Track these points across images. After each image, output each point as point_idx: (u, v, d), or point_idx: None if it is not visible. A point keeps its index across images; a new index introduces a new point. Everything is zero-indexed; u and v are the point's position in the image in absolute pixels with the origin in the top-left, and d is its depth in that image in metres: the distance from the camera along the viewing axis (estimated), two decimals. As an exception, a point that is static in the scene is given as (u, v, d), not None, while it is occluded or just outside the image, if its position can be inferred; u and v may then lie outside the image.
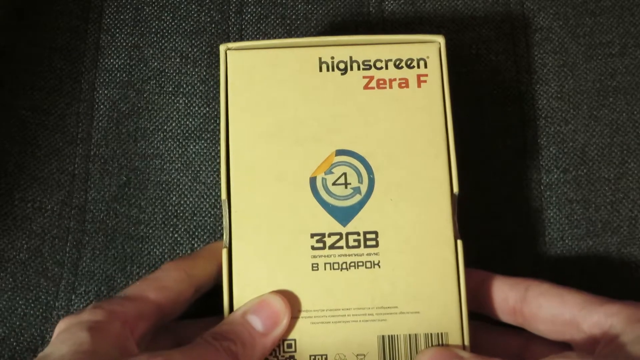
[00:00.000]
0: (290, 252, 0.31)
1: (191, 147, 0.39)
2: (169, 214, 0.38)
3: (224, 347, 0.28)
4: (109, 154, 0.39)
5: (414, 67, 0.33)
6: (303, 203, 0.31)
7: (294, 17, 0.41)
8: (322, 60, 0.33)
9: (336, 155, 0.32)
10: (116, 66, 0.40)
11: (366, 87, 0.33)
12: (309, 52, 0.33)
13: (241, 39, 0.40)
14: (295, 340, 0.30)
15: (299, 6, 0.41)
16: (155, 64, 0.40)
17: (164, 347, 0.31)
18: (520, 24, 0.41)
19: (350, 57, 0.33)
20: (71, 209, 0.38)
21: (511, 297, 0.32)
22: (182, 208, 0.38)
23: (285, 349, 0.30)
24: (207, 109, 0.39)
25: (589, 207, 0.38)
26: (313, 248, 0.31)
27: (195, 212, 0.38)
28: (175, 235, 0.38)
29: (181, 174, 0.38)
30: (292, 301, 0.30)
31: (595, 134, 0.39)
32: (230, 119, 0.32)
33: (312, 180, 0.32)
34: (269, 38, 0.40)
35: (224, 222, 0.32)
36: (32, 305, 0.37)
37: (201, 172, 0.38)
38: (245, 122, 0.32)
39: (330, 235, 0.31)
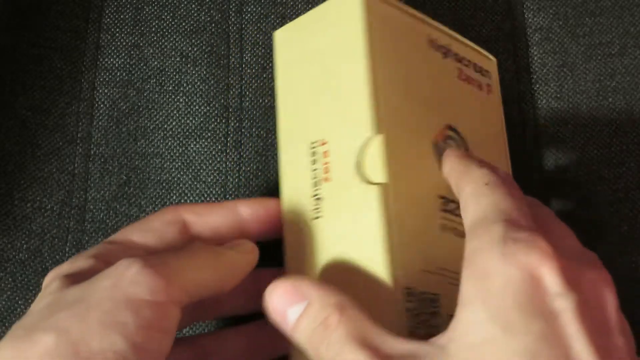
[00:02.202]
0: (422, 209, 0.29)
1: (191, 146, 0.39)
2: (169, 213, 0.38)
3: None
4: (109, 153, 0.39)
5: (485, 76, 0.36)
6: (430, 166, 0.30)
7: (294, 16, 0.41)
8: (430, 38, 0.33)
9: (447, 129, 0.32)
10: (116, 65, 0.40)
11: (459, 77, 0.34)
12: (423, 27, 0.33)
13: (241, 39, 0.40)
14: (439, 295, 0.28)
15: (299, 6, 0.41)
16: (155, 63, 0.40)
17: None
18: (520, 24, 0.41)
19: (447, 46, 0.34)
20: (71, 208, 0.38)
21: None
22: (182, 207, 0.38)
23: (430, 304, 0.28)
24: (208, 107, 0.39)
25: (589, 206, 0.38)
26: (441, 210, 0.30)
27: (196, 211, 0.38)
28: (175, 235, 0.38)
29: (181, 173, 0.38)
30: (428, 257, 0.29)
31: (594, 134, 0.39)
32: (373, 68, 0.30)
33: (434, 147, 0.31)
34: (269, 38, 0.40)
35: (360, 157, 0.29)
36: (32, 305, 0.36)
37: (201, 171, 0.38)
38: (381, 73, 0.30)
39: (452, 201, 0.30)
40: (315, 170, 0.30)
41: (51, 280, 0.27)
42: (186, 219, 0.30)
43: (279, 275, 0.28)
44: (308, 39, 0.32)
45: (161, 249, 0.29)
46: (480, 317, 0.22)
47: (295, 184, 0.31)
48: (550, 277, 0.22)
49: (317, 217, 0.29)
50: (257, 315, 0.30)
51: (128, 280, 0.24)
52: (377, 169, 0.28)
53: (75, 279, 0.26)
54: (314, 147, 0.30)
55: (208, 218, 0.30)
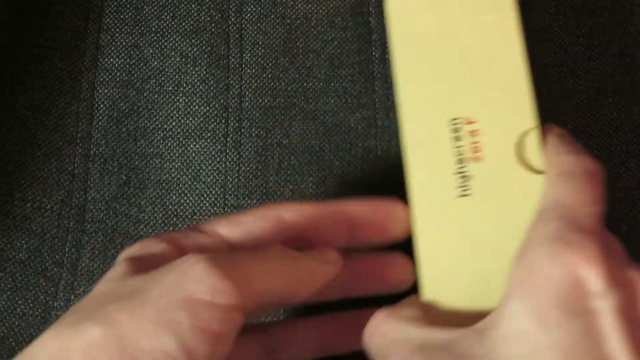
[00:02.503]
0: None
1: (191, 146, 0.39)
2: (169, 213, 0.38)
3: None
4: (108, 154, 0.39)
5: None
6: None
7: (294, 16, 0.41)
8: None
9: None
10: (116, 65, 0.40)
11: None
12: None
13: (241, 39, 0.40)
14: None
15: (299, 6, 0.41)
16: (155, 63, 0.40)
17: (250, 352, 0.29)
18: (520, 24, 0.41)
19: None
20: (71, 208, 0.38)
21: None
22: (182, 207, 0.38)
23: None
24: (207, 108, 0.39)
25: (589, 207, 0.38)
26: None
27: (195, 211, 0.38)
28: (175, 235, 0.38)
29: (181, 173, 0.38)
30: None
31: (595, 134, 0.39)
32: None
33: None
34: (269, 38, 0.40)
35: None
36: (31, 305, 0.36)
37: (201, 171, 0.38)
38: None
39: None
40: (459, 147, 0.30)
41: (120, 261, 0.26)
42: (284, 216, 0.28)
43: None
44: (438, 12, 0.32)
45: (246, 245, 0.27)
46: (520, 309, 0.23)
47: (430, 160, 0.30)
48: (593, 279, 0.22)
49: (464, 195, 0.29)
50: (323, 306, 0.30)
51: (191, 277, 0.23)
52: (539, 160, 0.29)
53: (142, 263, 0.25)
54: (455, 124, 0.30)
55: (308, 215, 0.28)
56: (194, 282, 0.22)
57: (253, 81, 0.40)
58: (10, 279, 0.37)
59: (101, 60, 0.40)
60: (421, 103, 0.31)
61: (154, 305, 0.22)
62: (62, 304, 0.37)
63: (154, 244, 0.27)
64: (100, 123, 0.39)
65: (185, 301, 0.22)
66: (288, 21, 0.41)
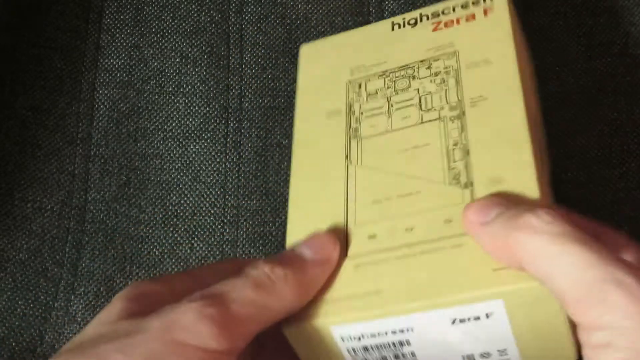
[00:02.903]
0: None
1: (191, 147, 0.39)
2: (169, 213, 0.38)
3: (275, 273, 0.26)
4: (109, 154, 0.39)
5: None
6: None
7: (294, 17, 0.41)
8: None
9: None
10: (116, 66, 0.40)
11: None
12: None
13: (241, 39, 0.40)
14: None
15: (299, 6, 0.41)
16: (155, 64, 0.40)
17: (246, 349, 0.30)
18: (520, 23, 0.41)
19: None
20: (71, 209, 0.38)
21: None
22: (182, 208, 0.38)
23: None
24: (207, 108, 0.39)
25: (590, 207, 0.38)
26: None
27: (195, 212, 0.38)
28: (175, 235, 0.38)
29: (181, 174, 0.38)
30: None
31: (595, 134, 0.39)
32: None
33: None
34: (269, 38, 0.40)
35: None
36: (32, 305, 0.36)
37: (201, 171, 0.38)
38: None
39: None
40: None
41: (115, 301, 0.27)
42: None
43: None
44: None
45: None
46: None
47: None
48: None
49: None
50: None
51: (182, 324, 0.23)
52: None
53: (137, 304, 0.26)
54: None
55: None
56: (185, 329, 0.23)
57: (253, 82, 0.40)
58: (10, 279, 0.37)
59: (101, 60, 0.40)
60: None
61: (146, 348, 0.23)
62: (62, 304, 0.37)
63: (148, 285, 0.28)
64: (100, 123, 0.39)
65: (176, 346, 0.23)
66: (288, 21, 0.41)
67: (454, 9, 0.34)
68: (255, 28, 0.41)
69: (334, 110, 0.32)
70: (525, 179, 0.27)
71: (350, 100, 0.33)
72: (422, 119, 0.31)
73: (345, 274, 0.28)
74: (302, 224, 0.30)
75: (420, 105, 0.31)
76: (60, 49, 0.40)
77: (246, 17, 0.41)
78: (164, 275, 0.29)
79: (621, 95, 0.40)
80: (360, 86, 0.33)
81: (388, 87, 0.33)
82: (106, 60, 0.40)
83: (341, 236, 0.29)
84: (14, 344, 0.36)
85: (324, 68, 0.34)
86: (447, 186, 0.28)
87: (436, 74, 0.32)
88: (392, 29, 0.34)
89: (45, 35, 0.40)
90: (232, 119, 0.39)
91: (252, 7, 0.41)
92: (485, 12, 0.33)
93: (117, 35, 0.41)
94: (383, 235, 0.28)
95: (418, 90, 0.32)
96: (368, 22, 0.40)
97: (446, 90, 0.31)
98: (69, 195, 0.38)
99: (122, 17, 0.41)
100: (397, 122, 0.31)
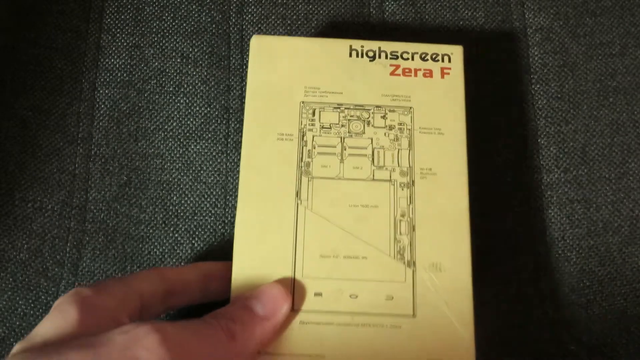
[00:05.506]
0: None
1: (192, 146, 0.39)
2: (170, 213, 0.38)
3: (222, 325, 0.28)
4: (109, 154, 0.39)
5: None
6: None
7: (294, 17, 0.41)
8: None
9: None
10: (117, 66, 0.40)
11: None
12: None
13: (242, 39, 0.40)
14: None
15: (300, 6, 0.41)
16: (156, 63, 0.40)
17: (155, 295, 0.32)
18: (520, 24, 0.41)
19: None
20: (71, 208, 0.38)
21: None
22: (182, 208, 0.38)
23: None
24: (208, 108, 0.39)
25: (590, 206, 0.38)
26: None
27: (196, 212, 0.38)
28: (176, 235, 0.38)
29: (182, 174, 0.38)
30: None
31: (595, 133, 0.39)
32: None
33: None
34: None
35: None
36: (32, 305, 0.36)
37: (202, 171, 0.38)
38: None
39: None
40: None
41: (69, 308, 0.28)
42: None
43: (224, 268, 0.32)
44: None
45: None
46: None
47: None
48: None
49: None
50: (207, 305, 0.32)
51: (143, 345, 0.26)
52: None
53: (91, 317, 0.28)
54: None
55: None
56: (146, 349, 0.26)
57: (254, 81, 0.40)
58: (11, 279, 0.37)
59: (102, 60, 0.40)
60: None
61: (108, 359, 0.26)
62: (63, 304, 0.37)
63: (96, 298, 0.29)
64: (101, 123, 0.39)
65: None
66: (288, 21, 0.41)
67: (412, 57, 0.35)
68: (256, 28, 0.41)
69: (285, 134, 0.33)
70: (461, 269, 0.31)
71: (303, 127, 0.33)
72: (373, 176, 0.32)
73: (291, 329, 0.30)
74: (249, 265, 0.31)
75: (373, 160, 0.32)
76: (61, 48, 0.40)
77: (247, 17, 0.41)
78: (101, 283, 0.30)
79: (621, 95, 0.40)
80: (314, 113, 0.34)
81: (342, 126, 0.34)
82: (107, 60, 0.40)
83: (289, 286, 0.31)
84: (14, 343, 0.36)
85: (277, 76, 0.34)
86: (392, 260, 0.31)
87: (390, 128, 0.33)
88: (350, 55, 0.35)
89: (46, 35, 0.40)
90: (233, 120, 0.39)
91: (252, 7, 0.41)
92: (442, 74, 0.35)
93: (118, 35, 0.41)
94: (329, 297, 0.31)
95: (372, 140, 0.33)
96: (368, 23, 0.40)
97: (399, 150, 0.33)
98: (69, 195, 0.38)
99: (122, 17, 0.41)
100: (349, 170, 0.32)
